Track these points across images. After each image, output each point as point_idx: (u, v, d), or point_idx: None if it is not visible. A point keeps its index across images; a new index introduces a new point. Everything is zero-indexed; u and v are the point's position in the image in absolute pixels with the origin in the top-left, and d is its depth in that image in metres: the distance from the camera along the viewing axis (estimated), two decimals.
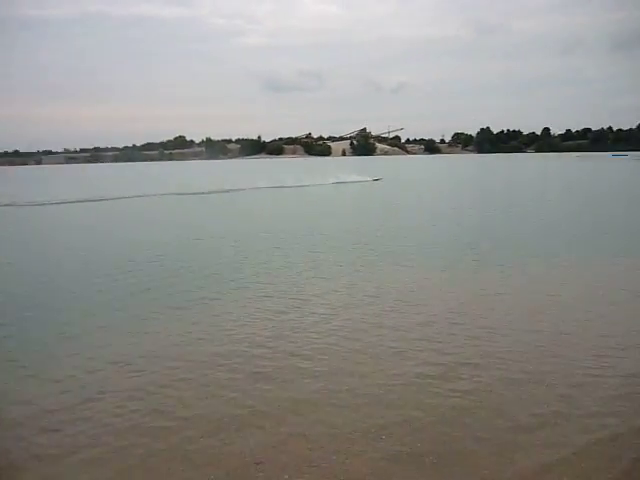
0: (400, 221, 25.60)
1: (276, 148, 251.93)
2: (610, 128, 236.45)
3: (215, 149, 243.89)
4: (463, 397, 7.21)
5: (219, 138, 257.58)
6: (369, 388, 7.53)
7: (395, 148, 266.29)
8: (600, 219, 24.92)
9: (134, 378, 8.05)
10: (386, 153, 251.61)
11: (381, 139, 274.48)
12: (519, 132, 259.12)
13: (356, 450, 6.00)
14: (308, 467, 5.71)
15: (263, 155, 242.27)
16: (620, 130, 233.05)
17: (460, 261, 15.71)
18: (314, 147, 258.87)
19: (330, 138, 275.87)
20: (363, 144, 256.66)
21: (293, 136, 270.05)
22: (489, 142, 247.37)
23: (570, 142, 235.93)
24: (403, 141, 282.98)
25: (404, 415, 6.74)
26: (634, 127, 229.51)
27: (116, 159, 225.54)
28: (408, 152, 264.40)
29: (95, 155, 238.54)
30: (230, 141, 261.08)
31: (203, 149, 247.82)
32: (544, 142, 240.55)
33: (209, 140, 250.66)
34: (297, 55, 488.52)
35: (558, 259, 15.84)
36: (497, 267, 14.84)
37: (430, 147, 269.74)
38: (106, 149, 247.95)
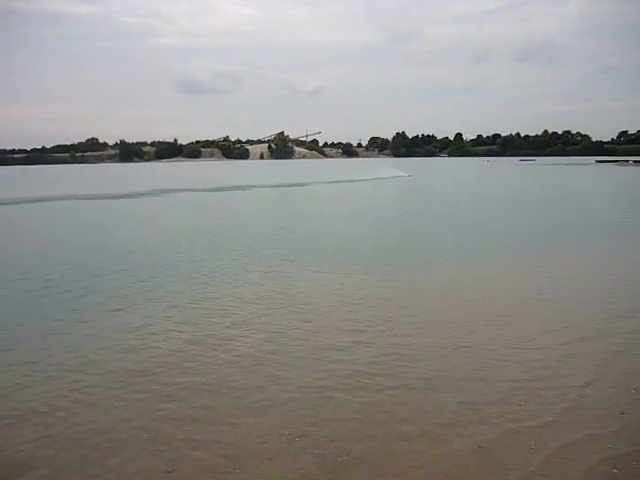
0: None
1: (193, 151, 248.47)
2: (518, 134, 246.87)
3: (130, 152, 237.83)
4: (376, 396, 7.33)
5: (134, 141, 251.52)
6: (282, 393, 7.52)
7: (313, 152, 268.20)
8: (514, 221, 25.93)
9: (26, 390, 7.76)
10: (304, 157, 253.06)
11: (299, 142, 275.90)
12: (433, 137, 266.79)
13: (269, 454, 6.00)
14: (221, 473, 5.66)
15: (180, 158, 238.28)
16: (527, 136, 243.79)
17: (371, 264, 16.00)
18: (232, 150, 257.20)
19: (248, 141, 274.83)
20: (281, 147, 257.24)
21: (211, 139, 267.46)
22: (404, 146, 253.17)
23: (481, 147, 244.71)
24: (321, 145, 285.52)
25: (317, 417, 6.78)
26: (540, 133, 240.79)
27: (19, 162, 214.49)
28: (326, 156, 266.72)
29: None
30: (145, 144, 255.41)
31: (117, 152, 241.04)
32: (457, 146, 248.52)
33: (123, 142, 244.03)
34: (213, 56, 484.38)
35: (446, 260, 16.40)
36: (411, 270, 15.21)
37: (348, 151, 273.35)
38: (13, 151, 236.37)
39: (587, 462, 5.71)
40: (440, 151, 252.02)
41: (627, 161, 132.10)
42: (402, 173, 74.94)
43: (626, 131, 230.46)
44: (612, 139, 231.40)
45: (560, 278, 13.97)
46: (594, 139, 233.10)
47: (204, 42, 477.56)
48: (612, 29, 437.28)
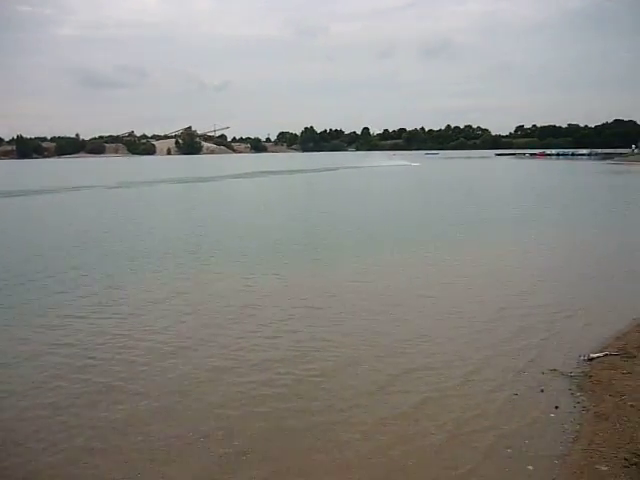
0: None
1: (97, 147, 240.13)
2: (423, 128, 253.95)
3: (28, 148, 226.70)
4: (279, 395, 7.39)
5: (32, 136, 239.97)
6: (185, 394, 7.46)
7: (222, 147, 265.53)
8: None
9: None
10: (213, 152, 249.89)
11: (207, 138, 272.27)
12: (341, 131, 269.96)
13: (173, 457, 5.93)
14: (122, 479, 5.55)
15: (83, 154, 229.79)
16: (431, 130, 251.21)
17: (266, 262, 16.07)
18: (138, 146, 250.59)
19: (154, 136, 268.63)
20: (189, 143, 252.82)
21: (115, 134, 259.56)
22: (313, 141, 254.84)
23: (387, 141, 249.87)
24: (229, 140, 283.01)
25: (221, 417, 6.76)
26: (443, 128, 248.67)
27: None
28: (235, 151, 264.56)
29: None
30: (45, 139, 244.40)
31: (14, 148, 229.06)
32: (364, 140, 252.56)
33: (20, 138, 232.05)
34: (116, 49, 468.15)
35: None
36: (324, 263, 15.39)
37: (257, 146, 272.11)
38: None
39: (482, 441, 5.99)
40: (348, 145, 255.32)
41: (524, 154, 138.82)
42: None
43: (522, 125, 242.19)
44: (510, 133, 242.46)
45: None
46: (493, 133, 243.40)
47: (106, 34, 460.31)
48: (510, 28, 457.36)
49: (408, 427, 6.41)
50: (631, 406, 6.45)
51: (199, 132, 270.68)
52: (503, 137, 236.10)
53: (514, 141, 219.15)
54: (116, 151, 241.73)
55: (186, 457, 5.91)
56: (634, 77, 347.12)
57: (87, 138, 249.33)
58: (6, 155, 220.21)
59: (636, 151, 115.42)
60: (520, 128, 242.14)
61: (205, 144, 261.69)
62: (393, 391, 7.39)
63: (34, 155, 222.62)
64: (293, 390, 7.46)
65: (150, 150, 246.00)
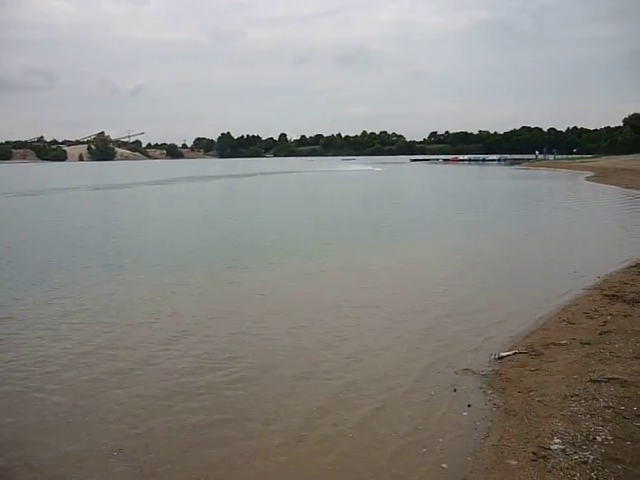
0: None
1: (3, 153, 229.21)
2: (339, 135, 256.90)
3: None
4: (193, 403, 7.28)
5: None
6: (98, 407, 7.22)
7: (136, 153, 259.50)
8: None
9: None
10: (127, 158, 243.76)
11: (121, 143, 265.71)
12: (258, 137, 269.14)
13: (86, 473, 5.73)
14: None
15: None
16: (348, 136, 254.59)
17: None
18: (48, 151, 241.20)
19: (66, 142, 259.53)
20: (102, 149, 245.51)
21: (23, 139, 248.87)
22: (230, 147, 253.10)
23: (305, 147, 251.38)
24: (144, 146, 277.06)
25: (135, 429, 6.57)
26: (359, 134, 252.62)
27: None
28: (150, 157, 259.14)
29: None
30: None
31: None
32: (282, 147, 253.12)
33: None
34: (23, 51, 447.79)
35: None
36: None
37: (173, 152, 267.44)
38: None
39: (397, 442, 6.11)
40: (266, 151, 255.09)
41: (437, 159, 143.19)
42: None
43: (435, 132, 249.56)
44: (424, 139, 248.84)
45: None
46: (408, 139, 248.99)
47: (12, 35, 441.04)
48: (424, 37, 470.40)
49: (324, 434, 6.43)
50: (538, 401, 6.71)
51: (113, 138, 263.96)
52: (417, 143, 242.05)
53: (428, 147, 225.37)
54: (24, 157, 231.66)
55: (99, 472, 5.72)
56: (539, 86, 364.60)
57: None
58: None
59: (540, 157, 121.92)
60: (434, 134, 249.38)
61: (119, 150, 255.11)
62: (304, 395, 7.42)
63: None
64: (213, 403, 7.35)
65: (61, 156, 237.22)
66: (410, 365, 8.37)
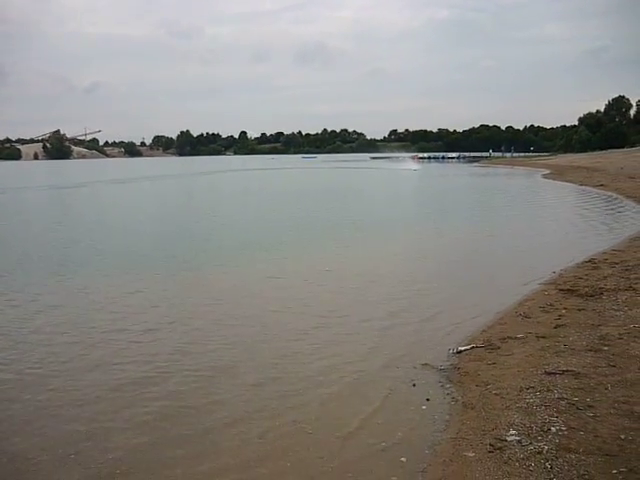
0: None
1: None
2: (300, 132, 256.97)
3: None
4: (153, 402, 7.20)
5: None
6: (53, 407, 7.11)
7: (93, 151, 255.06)
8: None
9: None
10: (84, 156, 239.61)
11: (77, 142, 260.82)
12: (218, 135, 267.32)
13: (41, 477, 5.61)
14: None
15: None
16: (308, 134, 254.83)
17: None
18: (1, 150, 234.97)
19: (19, 140, 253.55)
20: (58, 147, 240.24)
21: None
22: (190, 145, 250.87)
23: (265, 145, 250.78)
24: (102, 144, 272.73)
25: (93, 431, 6.48)
26: (320, 132, 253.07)
27: None
28: (108, 155, 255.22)
29: None
30: None
31: None
32: (242, 144, 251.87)
33: None
34: None
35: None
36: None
37: (131, 150, 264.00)
38: None
39: (357, 438, 6.13)
40: (226, 149, 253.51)
41: (398, 157, 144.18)
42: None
43: (395, 130, 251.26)
44: (384, 137, 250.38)
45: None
46: (368, 137, 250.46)
47: None
48: (383, 35, 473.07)
49: (285, 431, 6.43)
50: (495, 394, 6.82)
51: (69, 136, 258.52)
52: (378, 141, 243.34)
53: (388, 145, 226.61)
54: None
55: (55, 475, 5.62)
56: (497, 84, 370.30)
57: None
58: None
59: (497, 154, 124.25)
60: (394, 132, 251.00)
61: (76, 148, 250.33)
62: (266, 392, 7.42)
63: None
64: (173, 401, 7.28)
65: (15, 155, 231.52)
66: (369, 360, 8.42)
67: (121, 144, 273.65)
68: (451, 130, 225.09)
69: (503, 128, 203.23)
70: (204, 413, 6.92)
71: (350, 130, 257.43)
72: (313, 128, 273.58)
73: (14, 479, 5.63)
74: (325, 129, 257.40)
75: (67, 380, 7.92)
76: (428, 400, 6.98)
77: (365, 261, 16.37)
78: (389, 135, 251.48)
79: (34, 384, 7.80)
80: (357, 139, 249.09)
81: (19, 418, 6.86)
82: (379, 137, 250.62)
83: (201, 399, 7.31)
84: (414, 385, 7.46)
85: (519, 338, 8.82)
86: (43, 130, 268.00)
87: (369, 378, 7.81)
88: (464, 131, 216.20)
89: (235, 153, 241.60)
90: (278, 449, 6.01)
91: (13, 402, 7.28)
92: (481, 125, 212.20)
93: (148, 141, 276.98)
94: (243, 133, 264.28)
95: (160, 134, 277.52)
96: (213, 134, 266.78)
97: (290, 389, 7.51)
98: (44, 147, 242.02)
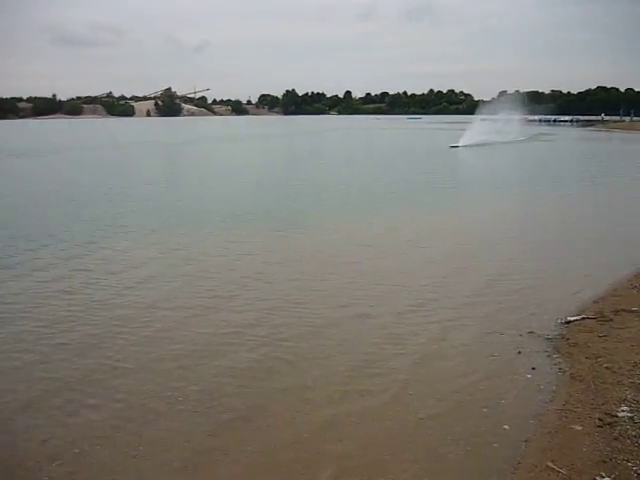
0: None
1: (74, 108, 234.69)
2: (405, 92, 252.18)
3: (3, 108, 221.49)
4: (259, 353, 7.41)
5: (7, 96, 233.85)
6: (164, 353, 7.47)
7: (202, 109, 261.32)
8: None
9: None
10: (193, 114, 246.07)
11: (187, 99, 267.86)
12: (323, 94, 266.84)
13: (151, 416, 5.93)
14: (99, 438, 5.54)
15: (60, 115, 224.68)
16: (414, 94, 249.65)
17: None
18: (116, 107, 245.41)
19: (133, 98, 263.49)
20: (169, 104, 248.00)
21: (92, 95, 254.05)
22: (294, 104, 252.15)
23: (370, 105, 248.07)
24: (210, 102, 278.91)
25: (200, 376, 6.78)
26: (426, 92, 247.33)
27: None
28: (215, 113, 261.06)
29: None
30: (21, 99, 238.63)
31: None
32: (346, 104, 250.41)
33: None
34: (91, 7, 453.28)
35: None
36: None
37: (237, 108, 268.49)
38: None
39: (459, 401, 6.07)
40: (330, 109, 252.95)
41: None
42: None
43: (505, 91, 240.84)
44: (492, 98, 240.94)
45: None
46: (476, 98, 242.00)
47: None
48: None
49: (385, 390, 6.45)
50: (606, 368, 6.54)
51: (179, 94, 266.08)
52: (486, 102, 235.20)
53: (499, 106, 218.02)
54: (94, 112, 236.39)
55: (165, 416, 5.93)
56: (617, 42, 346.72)
57: (64, 98, 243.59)
58: None
59: (607, 118, 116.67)
60: (503, 93, 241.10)
61: (185, 106, 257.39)
62: (369, 354, 7.45)
63: (10, 115, 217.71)
64: (277, 353, 7.48)
65: (129, 111, 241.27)
66: (472, 326, 8.27)
67: (228, 102, 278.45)
68: (565, 92, 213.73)
69: (622, 90, 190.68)
70: (309, 365, 7.06)
71: (457, 91, 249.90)
72: (419, 88, 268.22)
73: (125, 416, 5.96)
74: (431, 89, 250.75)
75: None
76: (534, 369, 6.78)
77: (471, 225, 16.01)
78: (498, 96, 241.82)
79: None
80: (464, 100, 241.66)
81: (126, 362, 7.28)
82: (487, 98, 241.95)
83: (306, 351, 7.46)
84: (519, 353, 7.27)
85: (634, 311, 8.39)
86: (155, 88, 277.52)
87: (474, 343, 7.67)
88: (579, 93, 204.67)
89: (339, 113, 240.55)
90: (379, 418, 6.03)
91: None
92: (598, 87, 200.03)
93: (254, 100, 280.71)
94: (348, 93, 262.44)
95: (266, 93, 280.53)
96: (318, 93, 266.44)
97: (390, 351, 7.51)
98: (156, 104, 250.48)
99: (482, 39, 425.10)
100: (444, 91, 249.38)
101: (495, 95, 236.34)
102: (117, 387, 6.55)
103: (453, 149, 44.66)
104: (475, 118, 64.52)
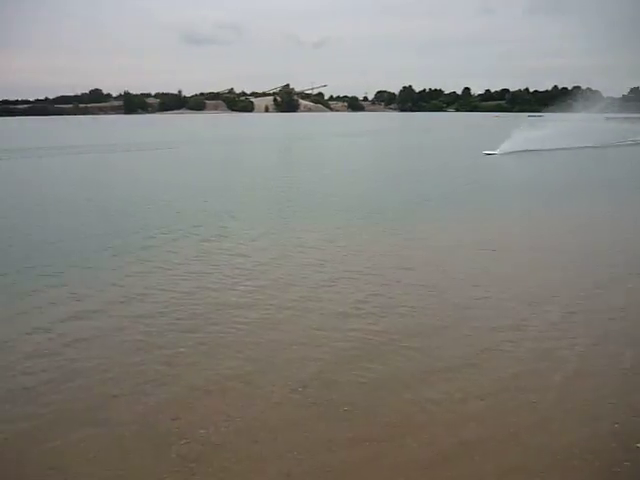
0: None
1: (198, 103, 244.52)
2: (527, 89, 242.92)
3: (134, 103, 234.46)
4: (379, 349, 7.43)
5: (137, 92, 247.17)
6: (287, 345, 7.64)
7: (319, 105, 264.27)
8: None
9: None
10: (310, 110, 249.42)
11: (304, 95, 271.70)
12: (440, 91, 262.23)
13: (272, 403, 6.10)
14: (224, 421, 5.75)
15: (184, 110, 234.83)
16: (536, 91, 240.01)
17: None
18: (237, 103, 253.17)
19: (253, 94, 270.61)
20: (287, 100, 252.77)
21: (214, 91, 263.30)
22: (411, 101, 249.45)
23: (489, 102, 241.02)
24: (326, 98, 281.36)
25: (321, 369, 6.90)
26: (550, 89, 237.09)
27: (23, 113, 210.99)
28: (331, 109, 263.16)
29: (4, 108, 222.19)
30: (149, 95, 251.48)
31: (121, 103, 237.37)
32: (465, 101, 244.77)
33: (127, 94, 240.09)
34: (214, 6, 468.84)
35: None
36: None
37: (353, 105, 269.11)
38: (16, 102, 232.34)
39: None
40: (448, 106, 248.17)
41: None
42: None
43: (637, 87, 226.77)
44: (623, 95, 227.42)
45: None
46: (605, 95, 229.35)
47: None
48: None
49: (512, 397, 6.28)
50: None
51: (297, 90, 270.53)
52: (615, 99, 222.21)
53: (626, 104, 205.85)
54: (216, 108, 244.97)
55: (285, 405, 6.10)
56: None
57: (188, 94, 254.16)
58: (114, 110, 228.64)
59: None
60: (635, 90, 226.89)
61: (302, 102, 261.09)
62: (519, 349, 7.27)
63: (139, 110, 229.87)
64: (397, 349, 7.47)
65: (248, 107, 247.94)
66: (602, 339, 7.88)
67: (345, 98, 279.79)
68: None
69: None
70: (429, 362, 7.01)
71: (583, 87, 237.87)
72: (541, 85, 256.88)
73: (247, 400, 6.16)
74: (555, 86, 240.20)
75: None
76: None
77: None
78: (629, 93, 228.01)
79: None
80: (590, 97, 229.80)
81: (251, 350, 7.50)
82: (617, 95, 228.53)
83: (423, 347, 7.40)
84: None
85: None
86: (273, 84, 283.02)
87: (598, 352, 7.31)
88: None
89: (457, 110, 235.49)
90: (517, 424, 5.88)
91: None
92: None
93: (370, 96, 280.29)
94: (466, 89, 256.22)
95: (382, 89, 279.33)
96: (435, 90, 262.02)
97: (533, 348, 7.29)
98: (274, 100, 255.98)
99: (611, 32, 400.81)
100: (569, 87, 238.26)
101: (625, 92, 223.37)
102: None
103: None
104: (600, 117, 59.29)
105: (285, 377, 6.64)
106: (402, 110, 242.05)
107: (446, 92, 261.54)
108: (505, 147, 37.90)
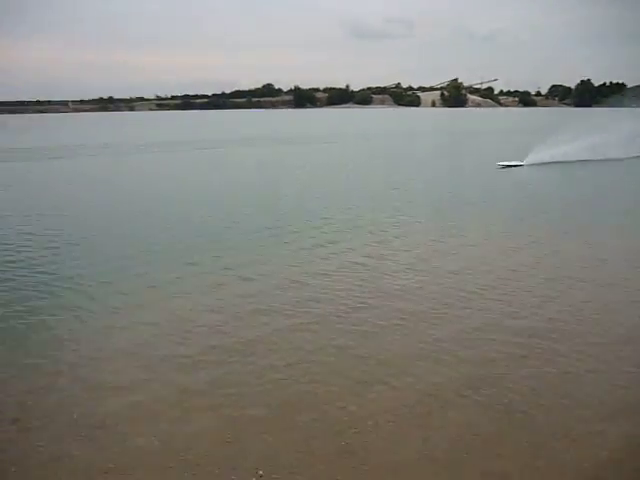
0: None
1: (364, 98, 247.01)
2: None
3: (303, 98, 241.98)
4: (543, 357, 7.43)
5: (306, 87, 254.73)
6: (455, 346, 7.90)
7: (488, 100, 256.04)
8: None
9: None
10: (478, 105, 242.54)
11: (473, 90, 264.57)
12: (622, 85, 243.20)
13: (441, 403, 6.37)
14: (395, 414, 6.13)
15: (351, 105, 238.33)
16: None
17: None
18: (403, 97, 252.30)
19: (420, 88, 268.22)
20: (454, 95, 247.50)
21: (382, 85, 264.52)
22: (589, 95, 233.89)
23: None
24: (496, 93, 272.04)
25: (488, 372, 7.09)
26: None
27: (201, 107, 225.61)
28: (501, 104, 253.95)
29: (185, 102, 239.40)
30: (318, 90, 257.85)
31: (291, 97, 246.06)
32: None
33: (297, 89, 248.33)
34: (384, 1, 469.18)
35: None
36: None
37: (525, 100, 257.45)
38: (195, 96, 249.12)
39: None
40: (632, 102, 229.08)
41: None
42: None
43: None
44: None
45: None
46: None
47: None
48: None
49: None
50: None
51: (465, 84, 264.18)
52: None
53: None
54: (382, 102, 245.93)
55: (454, 406, 6.33)
56: None
57: (355, 89, 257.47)
58: (284, 104, 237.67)
59: None
60: None
61: (470, 97, 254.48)
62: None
63: (307, 105, 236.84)
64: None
65: (415, 102, 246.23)
66: None
67: (515, 93, 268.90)
68: None
69: None
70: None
71: None
72: None
73: (418, 401, 6.47)
74: None
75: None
76: None
77: None
78: None
79: None
80: None
81: (417, 349, 7.78)
82: None
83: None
84: None
85: None
86: (441, 78, 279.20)
87: None
88: None
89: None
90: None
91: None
92: None
93: (544, 90, 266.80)
94: None
95: (557, 83, 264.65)
96: (617, 83, 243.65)
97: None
98: (442, 95, 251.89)
99: None
100: None
101: None
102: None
103: None
104: None
105: None
106: (577, 105, 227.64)
107: (629, 86, 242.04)
108: None
